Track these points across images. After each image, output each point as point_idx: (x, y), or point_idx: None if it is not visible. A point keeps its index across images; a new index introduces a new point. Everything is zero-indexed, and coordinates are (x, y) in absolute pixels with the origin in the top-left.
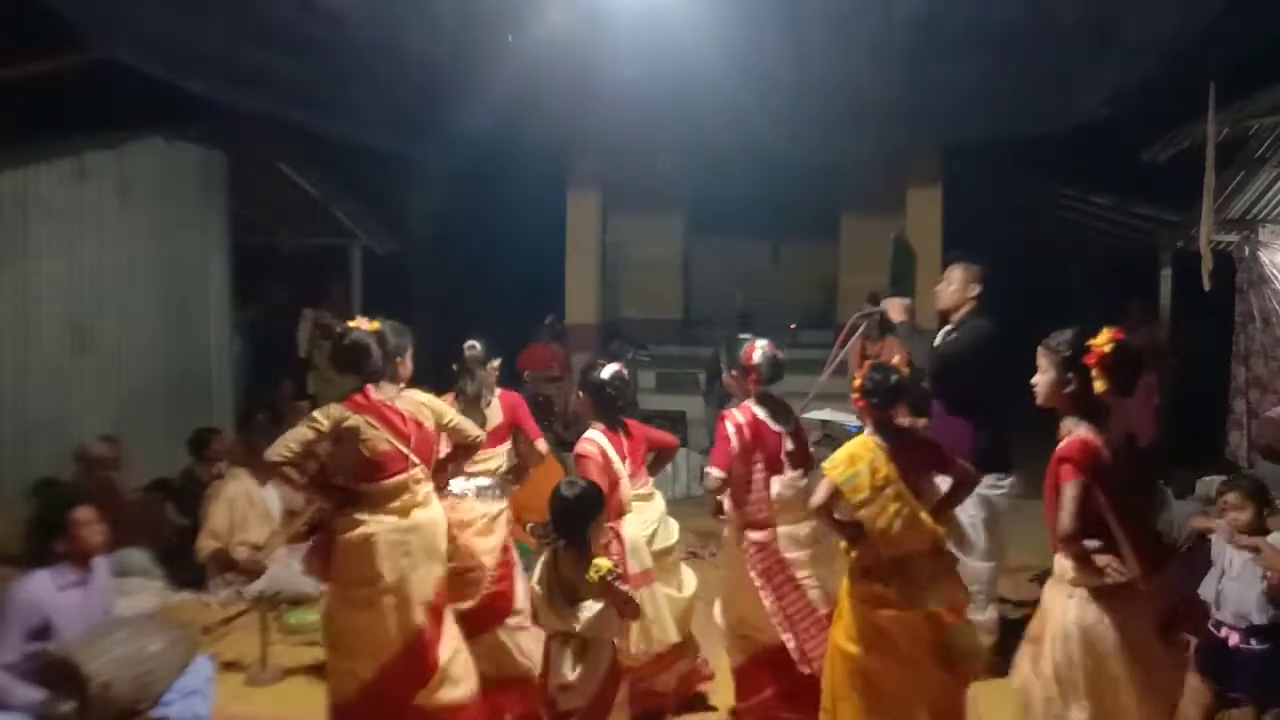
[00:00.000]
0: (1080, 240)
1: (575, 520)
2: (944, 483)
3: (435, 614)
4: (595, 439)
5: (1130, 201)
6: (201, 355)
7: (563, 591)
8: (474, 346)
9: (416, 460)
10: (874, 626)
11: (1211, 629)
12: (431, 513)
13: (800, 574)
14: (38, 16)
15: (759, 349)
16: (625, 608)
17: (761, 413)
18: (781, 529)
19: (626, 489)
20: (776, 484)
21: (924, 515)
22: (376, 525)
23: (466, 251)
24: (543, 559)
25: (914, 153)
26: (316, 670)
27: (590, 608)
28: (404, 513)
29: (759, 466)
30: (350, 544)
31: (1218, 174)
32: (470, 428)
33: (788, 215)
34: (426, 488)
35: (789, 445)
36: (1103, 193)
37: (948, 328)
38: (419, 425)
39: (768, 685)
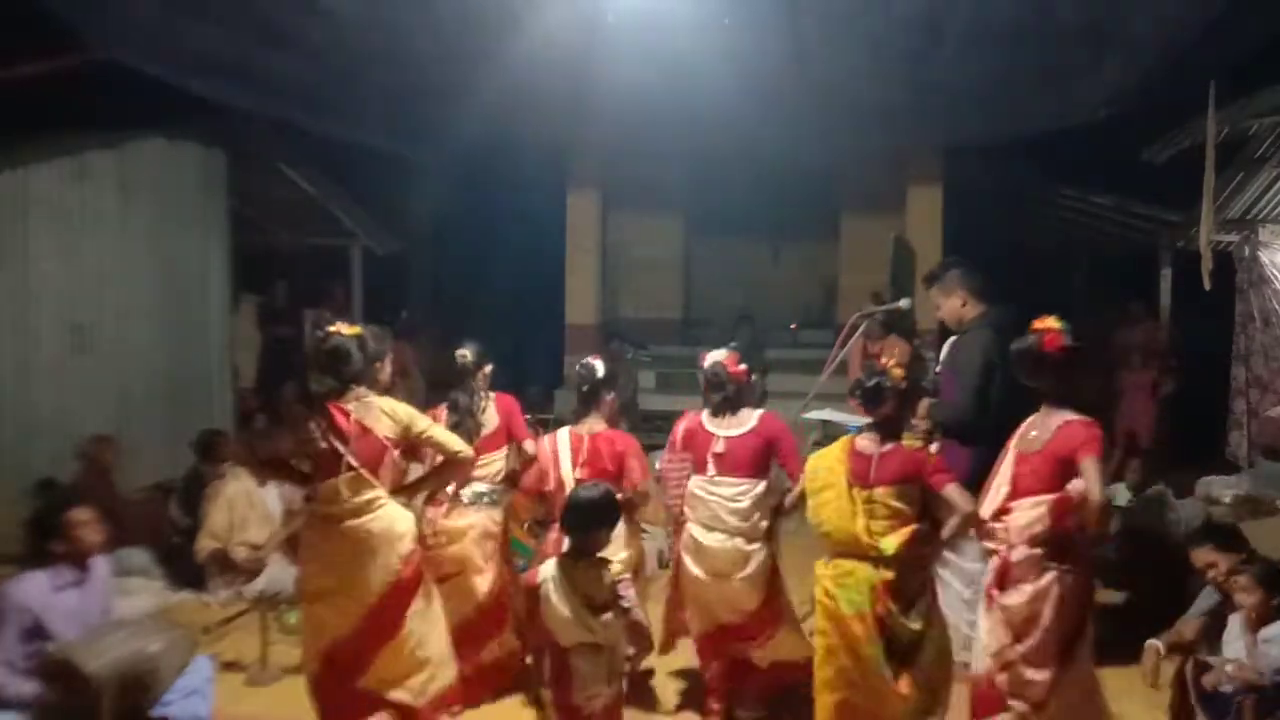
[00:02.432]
0: (1080, 240)
1: (587, 523)
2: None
3: (375, 618)
4: (553, 437)
5: (1130, 201)
6: (201, 355)
7: (587, 605)
8: (464, 355)
9: (356, 465)
10: (821, 608)
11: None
12: (367, 522)
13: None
14: (38, 16)
15: (708, 358)
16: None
17: (705, 414)
18: (690, 526)
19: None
20: (692, 481)
21: (859, 521)
22: (315, 526)
23: (466, 251)
24: (551, 575)
25: (914, 153)
26: None
27: (611, 616)
28: (334, 519)
29: (686, 466)
30: (302, 539)
31: (1218, 174)
32: (452, 442)
33: (788, 215)
34: (367, 496)
35: (718, 448)
36: (1103, 193)
37: (953, 338)
38: (364, 430)
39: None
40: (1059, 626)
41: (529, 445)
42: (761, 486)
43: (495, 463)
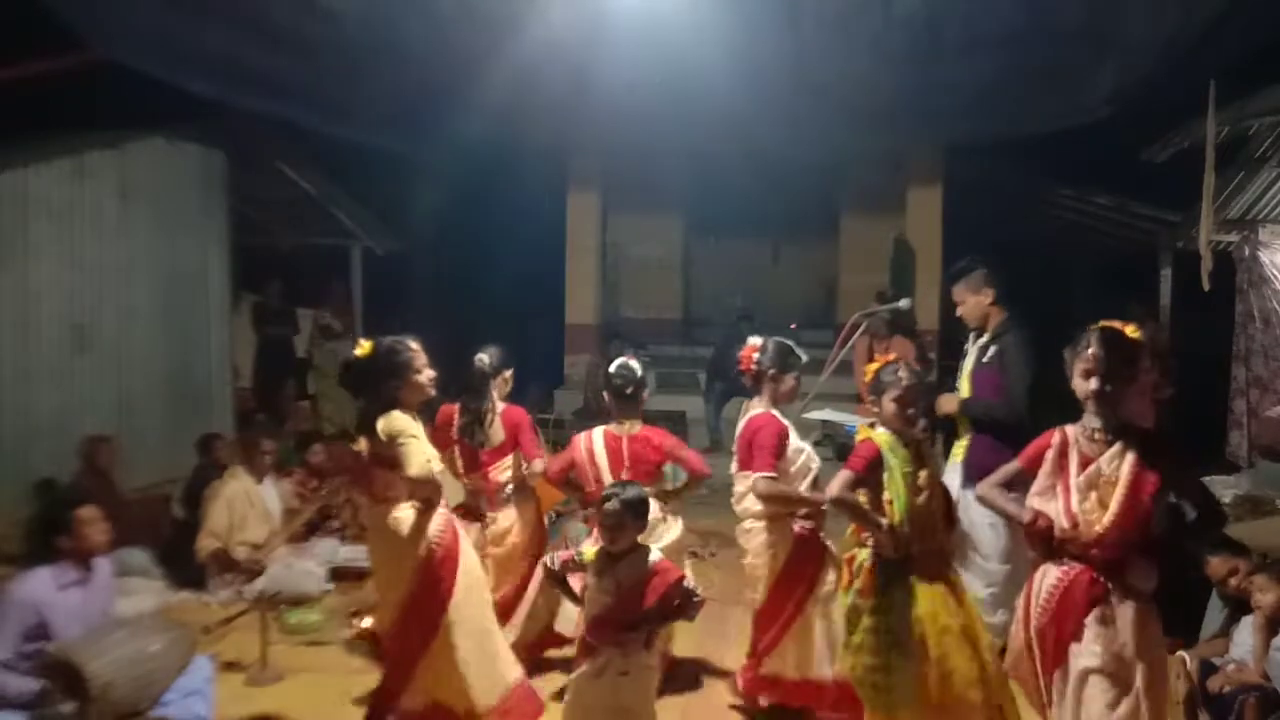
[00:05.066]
0: (1080, 240)
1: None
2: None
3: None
4: (589, 437)
5: (1130, 201)
6: (201, 355)
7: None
8: (483, 360)
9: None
10: None
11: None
12: (374, 532)
13: None
14: (38, 16)
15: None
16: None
17: None
18: None
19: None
20: None
21: None
22: None
23: (467, 252)
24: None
25: (914, 153)
26: (316, 670)
27: None
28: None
29: None
30: None
31: (1218, 174)
32: (413, 462)
33: (788, 215)
34: (369, 510)
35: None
36: (1103, 193)
37: (982, 340)
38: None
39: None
40: None
41: (538, 465)
42: (753, 478)
43: (504, 470)
